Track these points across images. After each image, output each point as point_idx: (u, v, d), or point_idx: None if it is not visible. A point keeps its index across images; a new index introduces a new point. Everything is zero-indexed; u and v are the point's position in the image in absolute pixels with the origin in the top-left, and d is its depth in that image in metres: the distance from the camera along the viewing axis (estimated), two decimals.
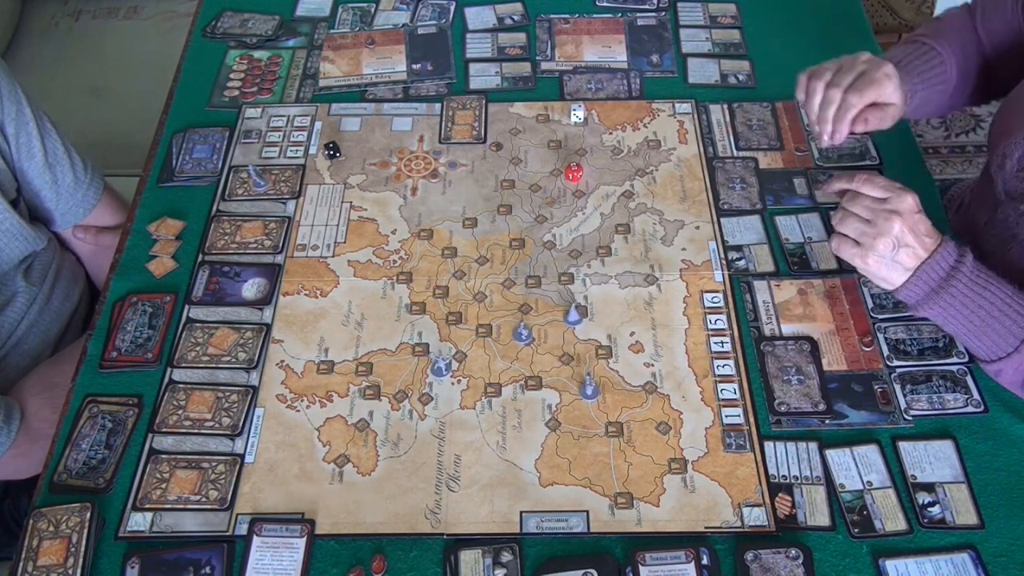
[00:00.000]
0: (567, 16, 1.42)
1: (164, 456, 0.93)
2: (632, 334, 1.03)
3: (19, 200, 1.14)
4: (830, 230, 1.07)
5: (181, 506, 0.90)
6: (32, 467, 1.08)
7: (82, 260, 1.29)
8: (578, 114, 1.25)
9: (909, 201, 0.89)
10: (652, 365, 1.00)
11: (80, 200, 1.20)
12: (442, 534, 0.88)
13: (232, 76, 1.33)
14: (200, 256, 1.11)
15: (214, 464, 0.93)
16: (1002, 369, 0.92)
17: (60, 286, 1.22)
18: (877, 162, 1.19)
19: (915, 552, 0.86)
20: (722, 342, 1.02)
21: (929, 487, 0.90)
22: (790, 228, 1.13)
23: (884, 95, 0.99)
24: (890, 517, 0.88)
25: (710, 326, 1.04)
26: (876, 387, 0.98)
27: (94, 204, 1.22)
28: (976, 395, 0.96)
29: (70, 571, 0.85)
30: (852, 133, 1.00)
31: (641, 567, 0.85)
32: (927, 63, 1.05)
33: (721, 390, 0.98)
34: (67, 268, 1.24)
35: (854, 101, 0.97)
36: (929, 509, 0.89)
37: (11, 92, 1.10)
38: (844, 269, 1.08)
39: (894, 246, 0.89)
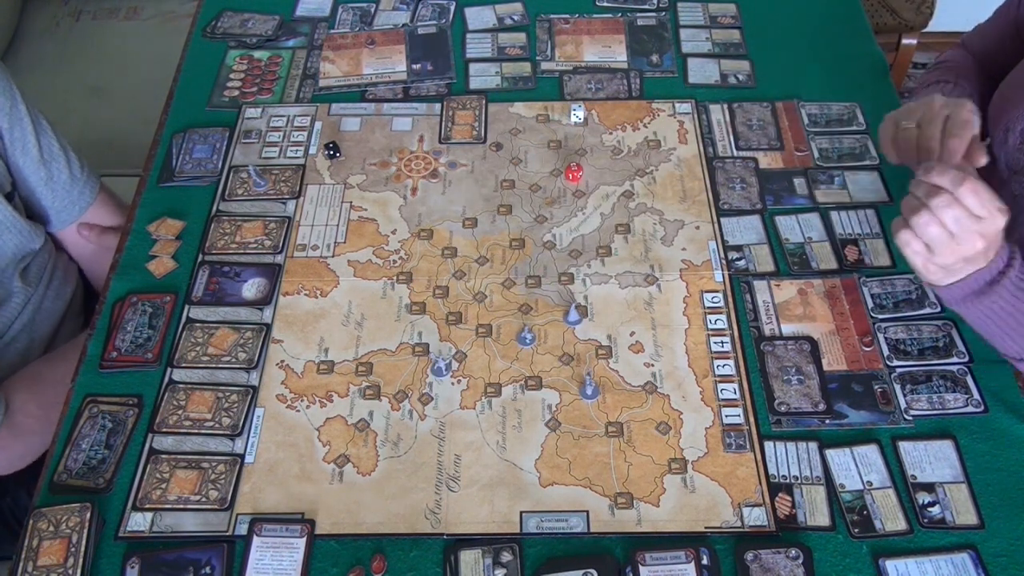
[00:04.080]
0: (567, 16, 1.42)
1: (164, 456, 0.93)
2: (632, 334, 1.03)
3: (14, 195, 1.14)
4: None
5: (181, 506, 0.90)
6: (11, 463, 1.08)
7: (80, 261, 1.28)
8: (578, 114, 1.25)
9: (999, 224, 0.84)
10: (652, 365, 1.00)
11: (76, 197, 1.20)
12: (442, 534, 0.88)
13: (232, 76, 1.33)
14: (200, 256, 1.11)
15: (214, 464, 0.93)
16: None
17: (53, 286, 1.21)
18: (877, 162, 1.19)
19: (915, 552, 0.86)
20: (722, 342, 1.02)
21: (929, 487, 0.90)
22: (790, 228, 1.13)
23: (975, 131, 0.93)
24: (890, 517, 0.88)
25: (710, 326, 1.04)
26: (876, 387, 0.98)
27: (90, 202, 1.22)
28: (976, 395, 0.96)
29: (70, 571, 0.85)
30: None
31: (641, 567, 0.85)
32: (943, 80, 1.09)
33: (721, 390, 0.98)
34: (60, 268, 1.24)
35: (956, 145, 0.91)
36: (929, 509, 0.89)
37: (5, 88, 1.10)
38: (844, 269, 1.08)
39: (965, 262, 0.86)
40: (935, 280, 0.89)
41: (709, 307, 1.05)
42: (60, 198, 1.19)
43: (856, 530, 0.88)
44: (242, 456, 0.94)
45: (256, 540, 0.87)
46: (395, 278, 1.09)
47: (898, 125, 0.96)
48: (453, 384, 0.99)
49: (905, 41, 2.06)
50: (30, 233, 1.14)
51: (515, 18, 1.42)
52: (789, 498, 0.90)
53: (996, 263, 0.86)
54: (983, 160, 0.91)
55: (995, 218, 0.83)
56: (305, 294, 1.07)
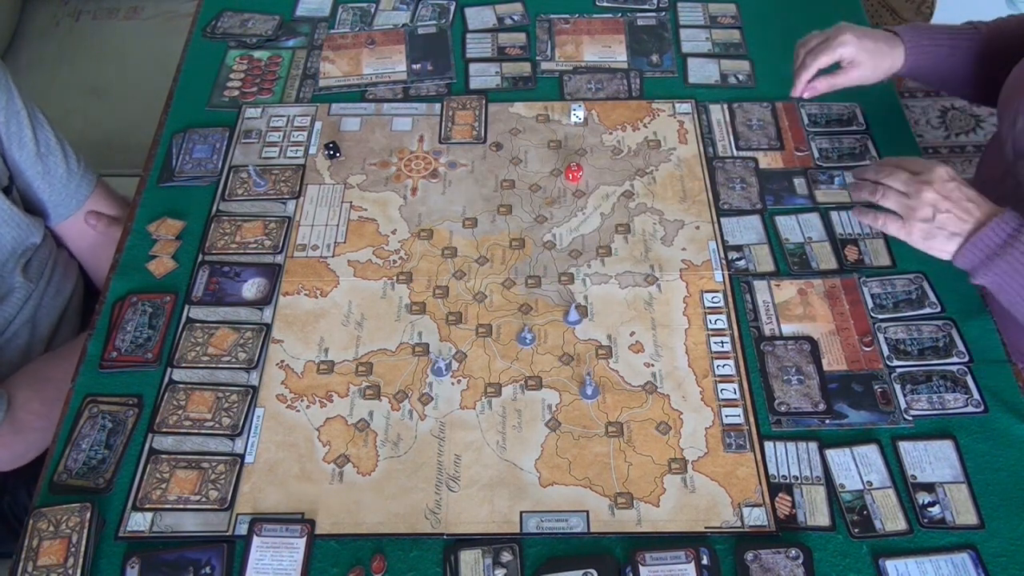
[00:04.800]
0: (567, 16, 1.42)
1: (164, 456, 0.93)
2: (632, 334, 1.03)
3: (11, 188, 1.14)
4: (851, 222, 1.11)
5: (181, 506, 0.90)
6: (14, 459, 1.08)
7: (80, 256, 1.28)
8: (578, 114, 1.25)
9: (939, 171, 0.94)
10: (652, 365, 1.00)
11: (73, 191, 1.20)
12: (442, 534, 0.88)
13: (232, 76, 1.33)
14: (200, 256, 1.11)
15: (214, 464, 0.93)
16: None
17: (54, 282, 1.21)
18: None
19: (915, 552, 0.86)
20: (722, 342, 1.02)
21: (929, 487, 0.90)
22: (790, 228, 1.13)
23: (840, 57, 1.10)
24: (890, 517, 0.88)
25: (710, 326, 1.04)
26: (876, 387, 0.98)
27: (87, 195, 1.21)
28: (976, 395, 0.97)
29: (70, 571, 0.85)
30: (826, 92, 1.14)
31: (641, 567, 0.85)
32: (951, 30, 1.12)
33: (721, 390, 0.98)
34: (60, 264, 1.24)
35: (808, 62, 1.11)
36: (929, 509, 0.89)
37: (2, 82, 1.10)
38: (844, 269, 1.08)
39: (933, 212, 0.92)
40: (946, 248, 0.94)
41: (709, 307, 1.05)
42: (57, 192, 1.19)
43: (856, 530, 0.88)
44: (242, 456, 0.94)
45: (256, 540, 0.87)
46: (395, 278, 1.09)
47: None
48: (453, 384, 0.99)
49: None
50: (29, 227, 1.14)
51: (515, 18, 1.42)
52: (789, 498, 0.90)
53: (1004, 223, 0.91)
54: (796, 90, 1.13)
55: (929, 168, 0.94)
56: (305, 294, 1.07)
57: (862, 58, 1.10)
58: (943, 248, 0.94)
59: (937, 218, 0.93)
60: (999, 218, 0.91)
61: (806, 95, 1.13)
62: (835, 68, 1.13)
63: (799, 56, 1.13)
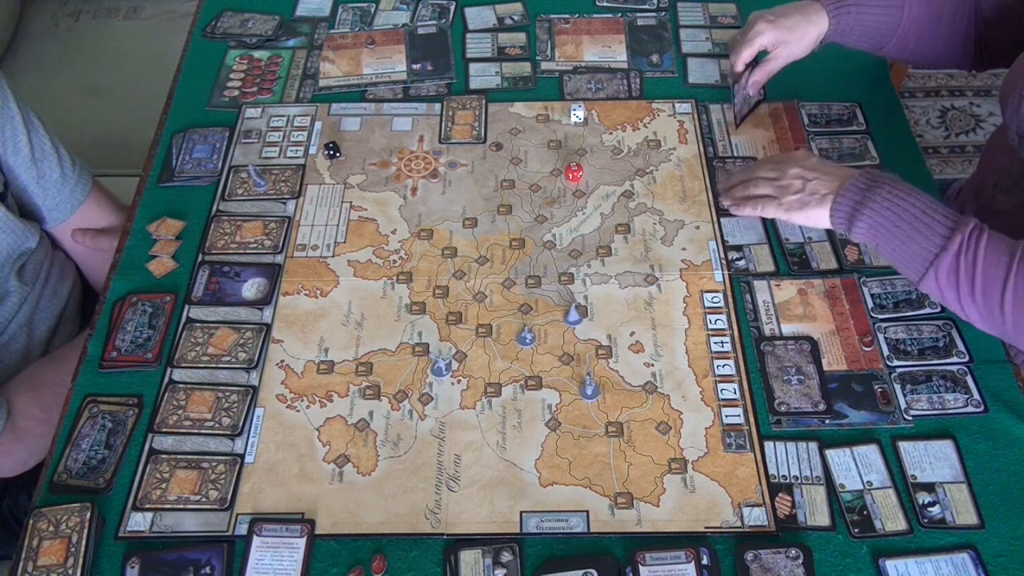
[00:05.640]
0: (567, 16, 1.42)
1: (164, 456, 0.93)
2: (632, 334, 1.03)
3: (7, 194, 1.14)
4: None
5: (181, 506, 0.90)
6: (15, 466, 1.08)
7: (77, 259, 1.28)
8: (578, 114, 1.25)
9: (798, 152, 1.05)
10: (652, 365, 1.00)
11: (68, 196, 1.19)
12: (442, 534, 0.88)
13: (232, 76, 1.33)
14: (200, 256, 1.11)
15: (214, 464, 0.93)
16: (935, 278, 0.90)
17: (50, 284, 1.21)
18: (877, 162, 1.19)
19: (915, 552, 0.86)
20: (722, 342, 1.02)
21: (929, 487, 0.90)
22: (790, 228, 1.13)
23: (762, 47, 1.16)
24: (890, 517, 0.88)
25: (710, 326, 1.04)
26: (876, 387, 0.98)
27: (81, 201, 1.21)
28: (976, 395, 0.97)
29: (70, 571, 0.85)
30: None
31: (641, 567, 0.85)
32: None
33: (721, 390, 0.98)
34: (57, 266, 1.23)
35: (738, 65, 1.20)
36: (929, 509, 0.89)
37: None
38: (844, 269, 1.08)
39: (803, 183, 0.99)
40: (822, 213, 0.98)
41: (709, 307, 1.05)
42: (51, 196, 1.18)
43: (856, 530, 0.88)
44: (242, 456, 0.94)
45: (256, 540, 0.87)
46: (395, 278, 1.09)
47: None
48: (453, 384, 0.99)
49: None
50: (24, 232, 1.13)
51: (515, 18, 1.42)
52: (789, 498, 0.90)
53: (865, 174, 0.96)
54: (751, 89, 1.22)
55: (788, 153, 1.06)
56: (305, 294, 1.07)
57: (784, 37, 1.15)
58: (819, 213, 0.98)
59: (807, 187, 0.99)
60: (861, 171, 0.97)
61: (752, 91, 1.21)
62: (763, 56, 1.18)
63: (733, 65, 1.20)
